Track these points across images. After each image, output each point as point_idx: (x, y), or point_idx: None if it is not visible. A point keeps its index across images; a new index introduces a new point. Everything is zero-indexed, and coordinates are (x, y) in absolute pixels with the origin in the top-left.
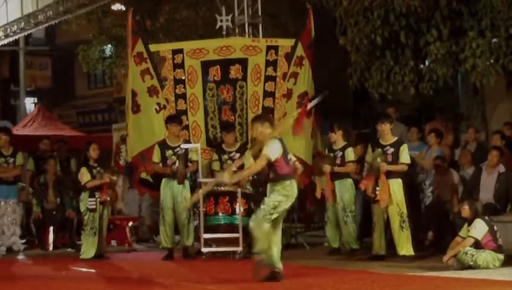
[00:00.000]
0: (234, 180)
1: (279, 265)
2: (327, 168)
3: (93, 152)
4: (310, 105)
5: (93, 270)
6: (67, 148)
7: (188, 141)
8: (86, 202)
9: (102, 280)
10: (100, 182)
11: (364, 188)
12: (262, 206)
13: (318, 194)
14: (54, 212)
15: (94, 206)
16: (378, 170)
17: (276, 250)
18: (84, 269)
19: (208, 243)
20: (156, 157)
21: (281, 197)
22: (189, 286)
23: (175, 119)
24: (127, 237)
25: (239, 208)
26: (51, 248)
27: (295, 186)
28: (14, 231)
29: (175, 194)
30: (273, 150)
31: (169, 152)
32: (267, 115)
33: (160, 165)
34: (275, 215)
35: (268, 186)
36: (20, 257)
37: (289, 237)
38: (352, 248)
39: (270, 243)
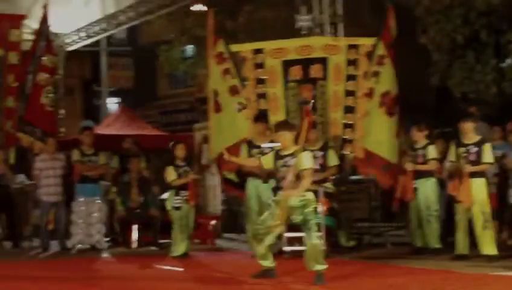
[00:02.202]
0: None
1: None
2: (409, 165)
3: (180, 151)
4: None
5: (177, 268)
6: (139, 148)
7: (272, 141)
8: (172, 200)
9: (186, 277)
10: (185, 180)
11: (454, 193)
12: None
13: (398, 194)
14: (138, 211)
15: (180, 205)
16: (461, 172)
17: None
18: (168, 267)
19: (291, 242)
20: (244, 156)
21: None
22: (273, 284)
23: (261, 118)
24: (210, 236)
25: (321, 207)
26: (134, 246)
27: None
28: (99, 229)
29: (260, 194)
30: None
31: (255, 151)
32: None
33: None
34: None
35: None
36: (104, 255)
37: (372, 236)
38: (435, 248)
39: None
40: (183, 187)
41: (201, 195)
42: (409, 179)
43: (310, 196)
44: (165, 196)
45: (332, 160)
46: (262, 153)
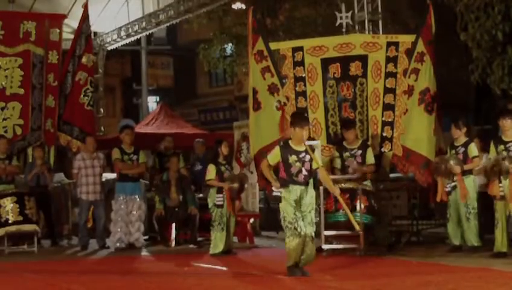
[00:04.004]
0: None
1: None
2: (457, 169)
3: (224, 149)
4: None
5: (215, 266)
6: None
7: (311, 138)
8: (213, 198)
9: (224, 275)
10: (220, 185)
11: (493, 194)
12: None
13: (439, 197)
14: (176, 209)
15: (222, 203)
16: (506, 172)
17: None
18: (206, 265)
19: (328, 240)
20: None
21: None
22: (312, 282)
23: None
24: (248, 234)
25: (359, 205)
26: (173, 244)
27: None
28: (138, 227)
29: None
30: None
31: None
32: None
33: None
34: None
35: None
36: (143, 253)
37: (411, 234)
38: (473, 245)
39: None
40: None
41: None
42: (462, 183)
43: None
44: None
45: (370, 158)
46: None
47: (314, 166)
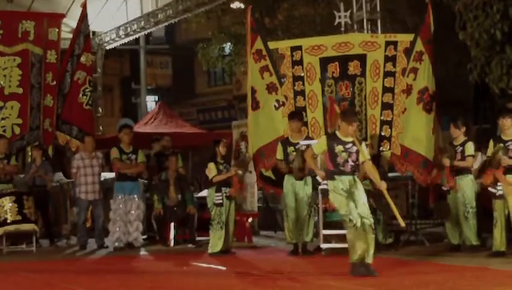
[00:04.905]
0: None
1: None
2: (446, 161)
3: (222, 149)
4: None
5: (214, 266)
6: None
7: (309, 138)
8: (212, 197)
9: (223, 275)
10: (226, 175)
11: (486, 183)
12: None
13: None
14: (175, 209)
15: (221, 201)
16: (498, 164)
17: None
18: (205, 265)
19: (327, 239)
20: (279, 154)
21: None
22: (310, 281)
23: (296, 115)
24: (247, 233)
25: None
26: (171, 244)
27: None
28: (136, 226)
29: (296, 191)
30: None
31: (290, 148)
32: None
33: (284, 162)
34: None
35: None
36: (142, 252)
37: (409, 233)
38: (472, 245)
39: None
40: (224, 184)
41: (244, 190)
42: (449, 174)
43: None
44: (203, 193)
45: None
46: (298, 151)
47: (361, 159)
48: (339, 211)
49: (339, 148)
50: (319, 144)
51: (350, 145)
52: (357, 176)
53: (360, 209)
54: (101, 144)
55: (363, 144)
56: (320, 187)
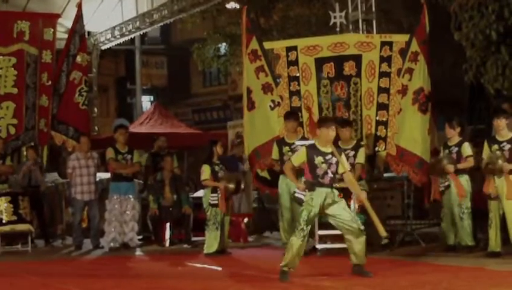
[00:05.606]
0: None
1: None
2: (450, 168)
3: (219, 149)
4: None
5: (209, 266)
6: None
7: (304, 138)
8: (208, 197)
9: (218, 275)
10: (216, 185)
11: (488, 192)
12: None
13: (433, 196)
14: (171, 209)
15: (216, 202)
16: (500, 171)
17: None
18: (200, 265)
19: (323, 239)
20: (275, 154)
21: None
22: (305, 282)
23: (292, 115)
24: (242, 233)
25: (353, 204)
26: (167, 244)
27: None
28: (132, 227)
29: (291, 191)
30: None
31: (286, 148)
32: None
33: (279, 162)
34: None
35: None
36: (137, 253)
37: (404, 234)
38: (467, 245)
39: None
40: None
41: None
42: (456, 179)
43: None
44: (198, 193)
45: (360, 158)
46: (292, 151)
47: (341, 170)
48: (300, 214)
49: (318, 159)
50: (298, 156)
51: (330, 156)
52: (335, 188)
53: (343, 217)
54: (97, 144)
55: (343, 155)
56: (295, 195)
